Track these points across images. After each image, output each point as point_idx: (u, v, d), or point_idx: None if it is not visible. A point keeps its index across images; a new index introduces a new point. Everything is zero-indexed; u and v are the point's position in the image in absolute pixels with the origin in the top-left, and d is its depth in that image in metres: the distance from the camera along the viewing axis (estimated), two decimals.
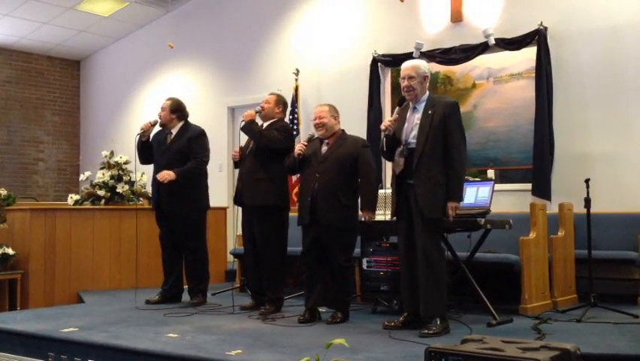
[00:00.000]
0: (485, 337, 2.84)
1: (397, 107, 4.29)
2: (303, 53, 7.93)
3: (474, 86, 6.64)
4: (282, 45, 8.19)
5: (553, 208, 5.66)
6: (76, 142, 10.73)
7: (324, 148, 4.69)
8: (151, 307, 5.30)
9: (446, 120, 4.08)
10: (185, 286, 5.57)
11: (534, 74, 6.14)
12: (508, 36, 6.30)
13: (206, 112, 8.58)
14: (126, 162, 6.85)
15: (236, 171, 5.39)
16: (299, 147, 4.73)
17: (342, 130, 4.79)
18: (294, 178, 6.72)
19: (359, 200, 4.64)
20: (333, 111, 4.75)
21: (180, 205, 5.38)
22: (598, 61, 5.95)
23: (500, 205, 5.58)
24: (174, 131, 5.54)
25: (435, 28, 6.92)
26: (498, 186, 5.32)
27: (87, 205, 6.71)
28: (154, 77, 9.59)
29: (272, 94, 5.31)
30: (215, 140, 7.96)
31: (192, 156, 5.40)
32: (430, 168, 4.04)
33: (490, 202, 4.61)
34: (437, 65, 6.78)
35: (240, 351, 3.50)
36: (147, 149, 5.60)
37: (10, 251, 5.98)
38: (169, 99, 5.63)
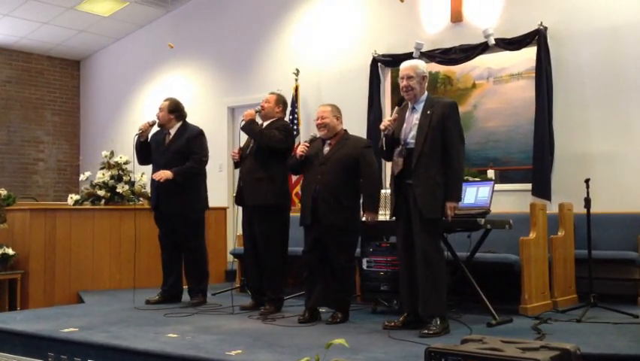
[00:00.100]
0: (485, 337, 2.84)
1: (396, 107, 4.29)
2: (303, 53, 7.93)
3: (474, 86, 6.64)
4: (282, 45, 8.19)
5: (553, 208, 5.67)
6: (76, 142, 10.73)
7: (326, 149, 4.69)
8: (151, 307, 5.30)
9: (445, 121, 4.09)
10: (185, 286, 5.57)
11: (534, 74, 6.14)
12: (508, 36, 6.31)
13: (206, 112, 8.59)
14: (126, 162, 6.85)
15: (237, 171, 5.39)
16: (301, 147, 4.73)
17: (345, 130, 4.79)
18: (294, 178, 6.72)
19: (361, 200, 4.64)
20: (336, 111, 4.74)
21: (179, 205, 5.38)
22: (598, 61, 5.95)
23: (500, 205, 5.58)
24: (173, 131, 5.54)
25: (435, 28, 6.92)
26: (498, 186, 5.32)
27: (87, 205, 6.71)
28: (154, 77, 9.59)
29: (272, 93, 5.30)
30: (215, 140, 7.98)
31: (191, 156, 5.40)
32: (428, 168, 4.05)
33: (490, 202, 4.61)
34: (437, 65, 6.78)
35: (239, 351, 3.50)
36: (146, 149, 5.60)
37: (10, 251, 5.98)
38: (167, 99, 5.62)
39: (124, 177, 6.83)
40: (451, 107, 4.17)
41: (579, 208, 5.11)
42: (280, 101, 5.23)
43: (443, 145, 4.08)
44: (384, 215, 4.78)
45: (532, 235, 4.93)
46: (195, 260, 5.48)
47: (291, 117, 7.32)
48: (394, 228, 4.34)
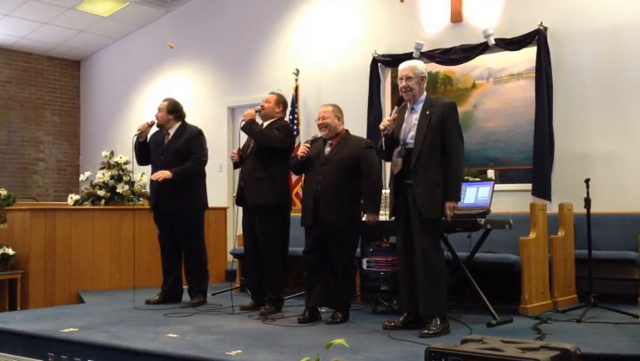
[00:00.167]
0: (485, 337, 2.84)
1: (396, 107, 4.29)
2: (303, 53, 7.93)
3: (474, 86, 6.65)
4: (282, 45, 8.19)
5: (553, 208, 5.67)
6: (76, 142, 10.73)
7: (328, 149, 4.69)
8: (151, 307, 5.30)
9: (444, 121, 4.09)
10: (185, 286, 5.57)
11: (534, 74, 6.14)
12: (508, 36, 6.31)
13: (206, 112, 8.59)
14: (126, 162, 6.85)
15: (237, 171, 5.39)
16: (302, 148, 4.74)
17: (346, 130, 4.79)
18: (294, 178, 6.71)
19: (362, 201, 4.64)
20: (337, 112, 4.74)
21: (179, 205, 5.38)
22: (598, 61, 5.95)
23: (500, 205, 5.58)
24: (171, 131, 5.53)
25: (435, 28, 6.92)
26: (498, 187, 5.32)
27: (87, 205, 6.71)
28: (154, 77, 9.59)
29: (272, 93, 5.30)
30: (215, 140, 7.99)
31: (190, 156, 5.40)
32: (427, 168, 4.05)
33: (490, 202, 4.61)
34: (437, 65, 6.78)
35: (239, 351, 3.50)
36: (145, 150, 5.60)
37: (10, 251, 5.98)
38: (165, 100, 5.62)
39: (124, 177, 6.83)
40: (450, 107, 4.18)
41: (579, 208, 5.11)
42: (280, 101, 5.23)
43: (442, 145, 4.08)
44: (384, 215, 4.78)
45: (532, 235, 4.93)
46: (195, 260, 5.48)
47: (291, 117, 7.32)
48: (394, 228, 4.34)
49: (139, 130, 5.54)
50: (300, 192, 5.98)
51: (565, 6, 6.14)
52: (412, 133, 4.14)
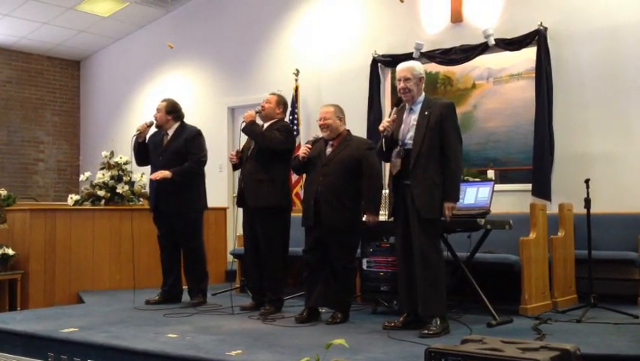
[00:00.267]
0: (485, 337, 2.84)
1: (395, 108, 4.30)
2: (303, 53, 7.93)
3: (474, 86, 6.64)
4: (282, 45, 8.19)
5: (553, 209, 5.67)
6: (76, 142, 10.73)
7: (329, 150, 4.69)
8: (151, 307, 5.30)
9: (442, 121, 4.10)
10: (185, 287, 5.57)
11: (534, 75, 6.14)
12: (508, 36, 6.31)
13: (206, 112, 8.59)
14: (126, 163, 6.84)
15: (237, 172, 5.39)
16: (303, 149, 4.74)
17: (348, 131, 4.79)
18: (294, 178, 6.71)
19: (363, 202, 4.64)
20: (339, 112, 4.74)
21: (178, 205, 5.38)
22: (598, 61, 5.95)
23: (500, 206, 5.58)
24: (170, 132, 5.53)
25: (435, 28, 6.92)
26: (498, 187, 5.32)
27: (87, 206, 6.71)
28: (154, 77, 9.60)
29: (272, 94, 5.30)
30: (215, 140, 7.99)
31: (190, 157, 5.40)
32: (426, 169, 4.05)
33: (490, 203, 4.60)
34: (437, 65, 6.78)
35: (239, 351, 3.50)
36: (143, 150, 5.60)
37: (10, 251, 5.98)
38: (164, 100, 5.62)
39: (124, 178, 6.82)
40: (449, 108, 4.18)
41: (579, 208, 5.11)
42: (281, 102, 5.23)
43: (441, 146, 4.08)
44: (383, 215, 4.78)
45: (532, 236, 4.93)
46: (194, 260, 5.48)
47: (291, 117, 7.32)
48: (393, 228, 4.34)
49: (138, 130, 5.54)
50: (301, 193, 5.98)
51: (565, 6, 6.14)
52: (411, 134, 4.14)
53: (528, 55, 6.23)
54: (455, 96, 6.59)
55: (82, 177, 7.21)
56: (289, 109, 6.36)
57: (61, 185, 10.38)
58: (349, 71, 7.47)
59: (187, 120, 5.66)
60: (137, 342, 3.80)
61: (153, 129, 5.61)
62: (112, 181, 6.75)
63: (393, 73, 6.97)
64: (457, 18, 6.74)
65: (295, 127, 7.38)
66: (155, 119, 5.55)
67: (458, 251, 4.74)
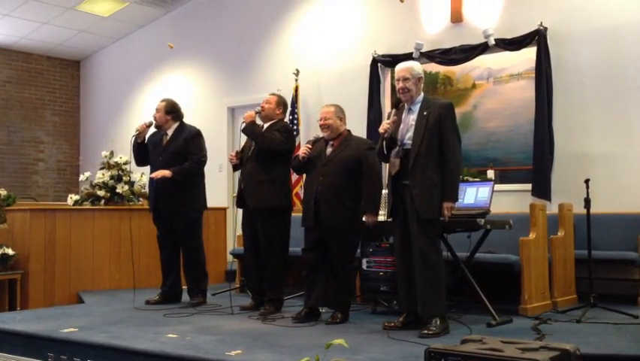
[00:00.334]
0: (485, 337, 2.84)
1: (394, 109, 4.29)
2: (303, 53, 7.93)
3: (474, 86, 6.64)
4: (282, 45, 8.19)
5: (553, 209, 5.66)
6: (76, 142, 10.73)
7: (329, 150, 4.69)
8: (151, 307, 5.30)
9: (441, 121, 4.10)
10: (185, 287, 5.57)
11: (534, 75, 6.14)
12: (508, 36, 6.31)
13: (206, 112, 8.59)
14: (126, 163, 6.84)
15: (237, 171, 5.39)
16: (303, 149, 4.74)
17: (348, 131, 4.79)
18: (294, 178, 6.71)
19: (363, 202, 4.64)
20: (339, 112, 4.74)
21: (178, 205, 5.38)
22: (598, 61, 5.95)
23: (500, 206, 5.58)
24: (170, 132, 5.53)
25: (435, 28, 6.92)
26: (498, 187, 5.32)
27: (87, 206, 6.71)
28: (154, 77, 9.59)
29: (272, 94, 5.30)
30: (215, 140, 7.99)
31: (190, 157, 5.40)
32: (425, 169, 4.05)
33: (490, 203, 4.60)
34: (437, 65, 6.78)
35: (239, 351, 3.50)
36: (143, 150, 5.60)
37: (10, 251, 5.98)
38: (163, 100, 5.62)
39: (124, 178, 6.82)
40: (447, 108, 4.18)
41: (579, 208, 5.11)
42: (281, 103, 5.23)
43: (440, 146, 4.08)
44: (382, 215, 4.78)
45: (532, 236, 4.93)
46: (194, 260, 5.48)
47: (291, 118, 7.32)
48: (392, 228, 4.34)
49: (137, 131, 5.55)
50: (301, 193, 5.98)
51: (565, 6, 6.14)
52: (410, 134, 4.14)
53: (528, 55, 6.23)
54: (455, 96, 6.59)
55: (82, 177, 7.21)
56: (289, 109, 6.36)
57: (61, 185, 10.38)
58: (349, 71, 7.47)
59: (187, 120, 5.66)
60: (136, 342, 3.80)
61: (152, 129, 5.61)
62: (112, 181, 6.75)
63: (393, 73, 6.94)
64: (457, 18, 6.74)
65: (295, 127, 7.38)
66: (155, 120, 5.55)
67: (458, 251, 4.74)
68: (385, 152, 4.24)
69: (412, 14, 7.06)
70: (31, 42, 9.84)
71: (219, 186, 8.31)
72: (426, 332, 3.91)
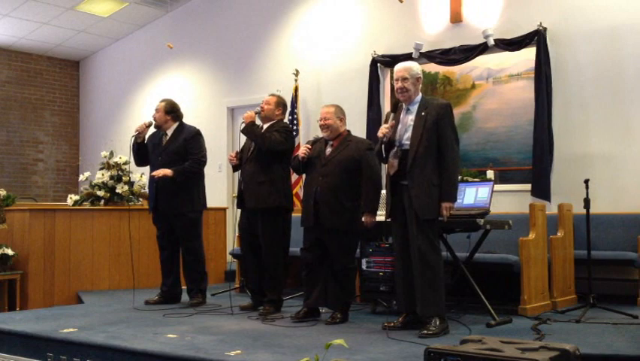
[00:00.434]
0: (484, 337, 2.85)
1: (392, 113, 4.29)
2: (303, 53, 7.94)
3: (473, 86, 6.65)
4: (282, 45, 8.20)
5: (552, 209, 5.67)
6: (75, 142, 10.73)
7: (329, 150, 4.69)
8: (150, 307, 5.30)
9: (439, 122, 4.10)
10: (184, 287, 5.57)
11: (533, 75, 6.15)
12: (508, 37, 6.31)
13: (205, 112, 8.59)
14: (125, 163, 6.84)
15: (237, 172, 5.38)
16: (303, 149, 4.74)
17: (348, 131, 4.79)
18: (294, 178, 6.71)
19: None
20: (339, 112, 4.74)
21: (178, 205, 5.38)
22: (597, 61, 5.95)
23: (500, 206, 5.58)
24: (169, 132, 5.53)
25: (434, 28, 6.92)
26: (497, 187, 5.32)
27: (86, 206, 6.71)
28: (154, 78, 9.59)
29: (272, 95, 5.30)
30: (215, 140, 8.00)
31: (189, 157, 5.40)
32: (423, 169, 4.05)
33: (490, 203, 4.61)
34: (437, 65, 6.78)
35: (239, 352, 3.50)
36: (143, 150, 5.60)
37: (9, 251, 5.98)
38: (163, 100, 5.62)
39: (123, 178, 6.82)
40: (446, 108, 4.18)
41: (579, 209, 5.12)
42: (280, 103, 5.23)
43: (438, 146, 4.08)
44: (381, 215, 4.78)
45: (531, 236, 4.93)
46: (193, 260, 5.48)
47: (290, 118, 7.32)
48: (391, 229, 4.34)
49: (136, 131, 5.55)
50: (300, 193, 5.97)
51: (564, 6, 6.14)
52: (408, 134, 4.14)
53: (527, 55, 6.23)
54: (455, 96, 6.59)
55: (81, 177, 7.21)
56: (289, 109, 6.37)
57: (61, 185, 10.38)
58: (349, 71, 7.47)
59: (187, 120, 5.66)
60: (136, 342, 3.80)
61: (152, 129, 5.61)
62: (111, 181, 6.75)
63: (393, 73, 7.00)
64: (456, 18, 6.75)
65: (295, 127, 7.38)
66: (154, 120, 5.55)
67: (458, 251, 4.75)
68: (384, 154, 4.24)
69: (412, 14, 7.06)
70: (30, 42, 9.84)
71: (219, 186, 8.32)
72: (425, 332, 3.91)
